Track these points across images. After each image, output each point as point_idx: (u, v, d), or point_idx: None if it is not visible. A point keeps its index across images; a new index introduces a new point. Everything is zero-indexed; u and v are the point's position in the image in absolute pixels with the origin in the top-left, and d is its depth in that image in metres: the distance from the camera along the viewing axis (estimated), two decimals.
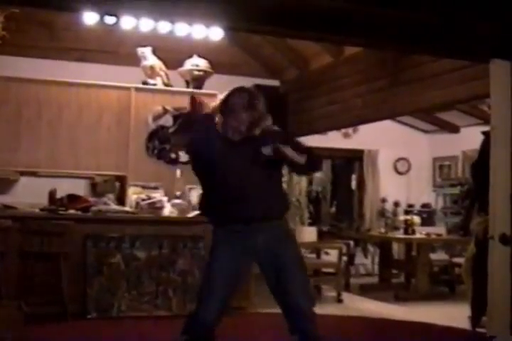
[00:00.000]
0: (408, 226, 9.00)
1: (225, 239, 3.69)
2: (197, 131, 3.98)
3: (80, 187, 7.78)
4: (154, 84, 7.92)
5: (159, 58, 7.96)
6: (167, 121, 7.84)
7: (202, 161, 3.81)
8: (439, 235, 9.02)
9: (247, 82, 9.33)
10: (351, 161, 11.80)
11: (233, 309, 6.47)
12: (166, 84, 7.97)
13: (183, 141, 4.05)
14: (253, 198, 3.65)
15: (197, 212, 6.95)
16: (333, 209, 11.63)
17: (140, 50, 7.87)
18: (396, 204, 11.35)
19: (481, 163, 5.73)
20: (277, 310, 3.73)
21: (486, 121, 8.05)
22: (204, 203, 3.88)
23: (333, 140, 10.77)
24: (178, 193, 7.26)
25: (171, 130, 7.80)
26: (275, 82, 9.81)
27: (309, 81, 9.42)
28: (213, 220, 3.80)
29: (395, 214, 11.11)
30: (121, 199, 7.52)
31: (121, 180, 7.73)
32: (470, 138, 9.03)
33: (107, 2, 4.55)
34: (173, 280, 6.56)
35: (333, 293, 8.21)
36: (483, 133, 5.90)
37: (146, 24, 7.17)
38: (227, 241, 3.67)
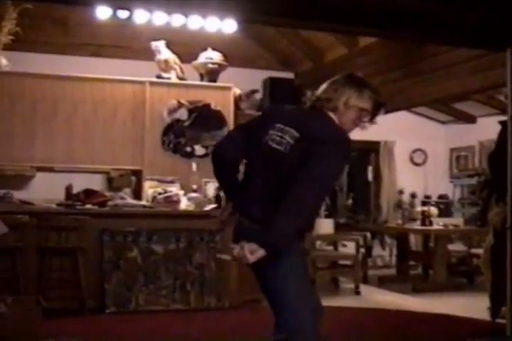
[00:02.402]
0: (425, 218, 8.96)
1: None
2: None
3: (96, 182, 7.80)
4: (169, 78, 7.92)
5: (173, 52, 7.96)
6: (182, 114, 7.93)
7: None
8: (456, 226, 8.98)
9: (262, 74, 9.37)
10: (367, 153, 11.73)
11: (248, 302, 6.53)
12: (180, 78, 7.97)
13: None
14: None
15: (214, 206, 6.94)
16: (350, 201, 11.57)
17: (154, 44, 7.87)
18: (413, 195, 11.29)
19: (498, 152, 5.69)
20: None
21: (502, 110, 7.99)
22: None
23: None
24: (194, 187, 7.26)
25: (186, 123, 7.87)
26: (290, 75, 9.77)
27: (324, 73, 9.34)
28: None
29: (412, 205, 11.05)
30: (137, 194, 7.54)
31: (137, 174, 7.74)
32: (487, 128, 8.96)
33: None
34: (191, 273, 6.56)
35: (351, 285, 8.19)
36: (501, 122, 5.85)
37: (159, 18, 7.17)
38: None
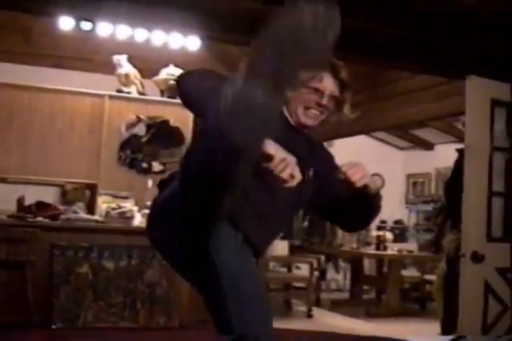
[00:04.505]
0: (380, 243, 8.99)
1: None
2: None
3: (49, 195, 7.66)
4: (129, 93, 7.85)
5: (134, 66, 7.89)
6: (140, 130, 7.86)
7: None
8: (410, 252, 9.02)
9: None
10: None
11: (198, 322, 6.43)
12: (140, 93, 7.91)
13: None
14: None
15: None
16: (306, 223, 11.56)
17: (116, 58, 7.79)
18: None
19: (454, 180, 5.72)
20: None
21: (460, 139, 8.06)
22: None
23: None
24: (148, 203, 7.16)
25: (143, 139, 7.79)
26: None
27: None
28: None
29: (367, 229, 11.08)
30: (91, 208, 7.41)
31: (92, 188, 7.63)
32: (444, 155, 9.06)
33: (83, 7, 4.50)
34: (141, 291, 6.45)
35: (304, 308, 8.15)
36: (458, 150, 5.90)
37: (122, 31, 7.09)
38: None
